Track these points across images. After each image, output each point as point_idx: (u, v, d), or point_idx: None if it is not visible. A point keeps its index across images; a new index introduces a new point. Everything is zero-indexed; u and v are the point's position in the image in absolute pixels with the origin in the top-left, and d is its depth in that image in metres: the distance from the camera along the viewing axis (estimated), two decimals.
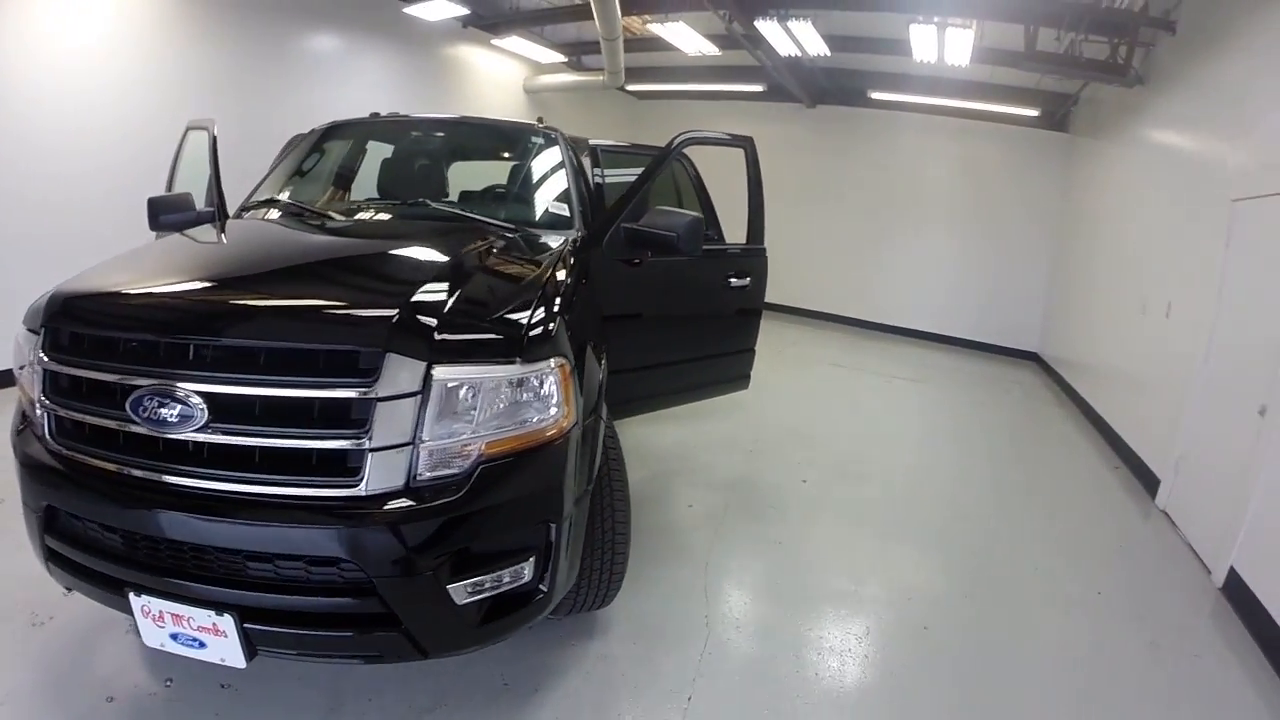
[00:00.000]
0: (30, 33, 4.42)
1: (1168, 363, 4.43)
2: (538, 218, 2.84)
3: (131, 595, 1.61)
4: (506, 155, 3.28)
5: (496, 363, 1.63)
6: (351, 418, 1.54)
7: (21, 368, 1.87)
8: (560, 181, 3.00)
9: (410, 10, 6.69)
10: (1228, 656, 2.69)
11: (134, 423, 1.58)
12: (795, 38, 6.39)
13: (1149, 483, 4.41)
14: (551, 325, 1.79)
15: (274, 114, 5.78)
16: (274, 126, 5.04)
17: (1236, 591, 3.04)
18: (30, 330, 1.82)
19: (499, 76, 8.88)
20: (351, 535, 1.53)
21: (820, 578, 3.01)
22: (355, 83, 6.75)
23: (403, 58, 7.33)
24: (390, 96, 7.09)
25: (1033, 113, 8.00)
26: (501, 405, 1.63)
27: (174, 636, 1.63)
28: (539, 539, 1.71)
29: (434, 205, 2.81)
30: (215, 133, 2.93)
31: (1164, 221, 5.00)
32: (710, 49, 7.41)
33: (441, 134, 3.68)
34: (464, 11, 6.71)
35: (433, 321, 1.64)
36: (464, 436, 1.58)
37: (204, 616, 1.56)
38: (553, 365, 1.70)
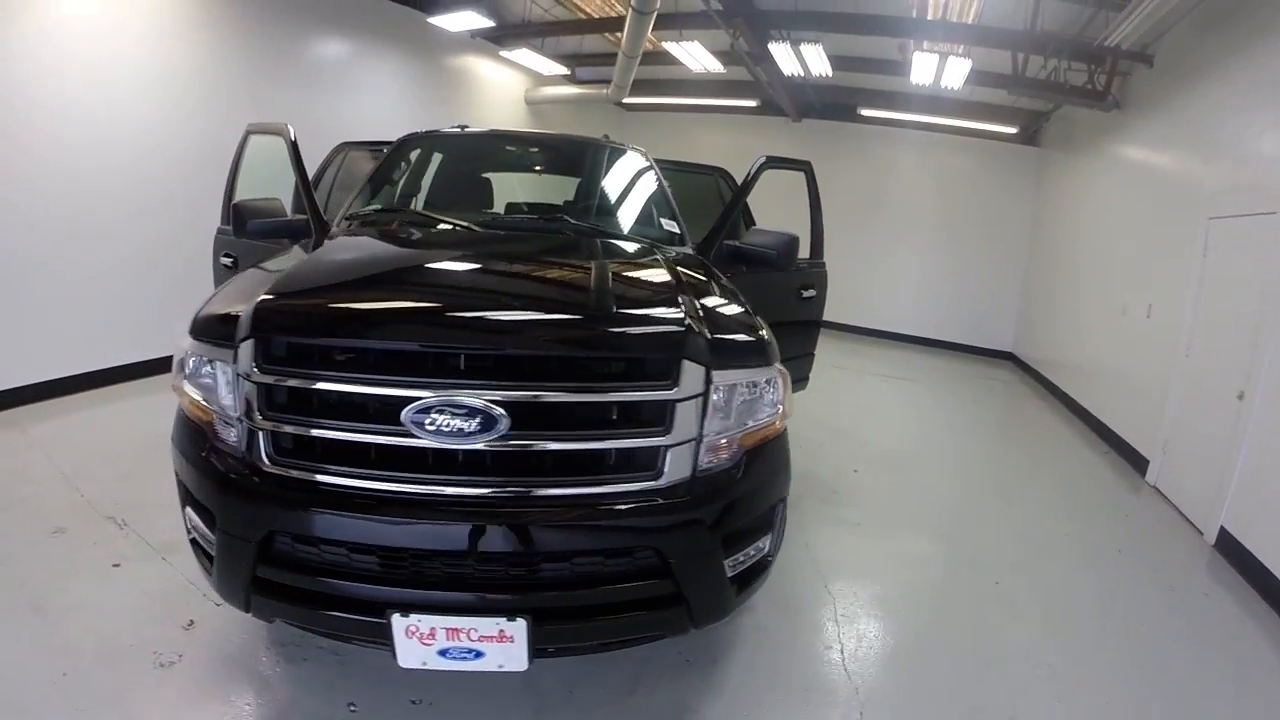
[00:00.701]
0: (36, 40, 4.18)
1: (1150, 358, 5.07)
2: (659, 234, 2.96)
3: (395, 617, 1.54)
4: (617, 174, 3.39)
5: (750, 366, 1.87)
6: (643, 418, 1.70)
7: (186, 379, 1.80)
8: (665, 199, 3.19)
9: (435, 20, 6.82)
10: (1226, 593, 3.34)
11: (413, 436, 1.55)
12: (803, 59, 6.81)
13: (1137, 463, 5.07)
14: (766, 331, 2.05)
15: (286, 119, 5.73)
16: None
17: (1228, 545, 3.67)
18: (208, 341, 1.73)
19: (503, 87, 9.05)
20: (665, 523, 1.68)
21: (900, 548, 3.49)
22: (365, 87, 6.77)
23: (412, 66, 7.39)
24: (402, 104, 7.18)
25: (1011, 130, 8.61)
26: (751, 403, 1.86)
27: (443, 652, 1.57)
28: (773, 516, 2.01)
29: (572, 221, 2.81)
30: (293, 137, 2.74)
31: (1143, 234, 5.64)
32: (716, 66, 7.76)
33: (543, 150, 3.79)
34: (489, 24, 6.88)
35: (707, 331, 1.83)
36: (729, 431, 1.81)
37: (489, 625, 1.54)
38: (779, 367, 1.97)
